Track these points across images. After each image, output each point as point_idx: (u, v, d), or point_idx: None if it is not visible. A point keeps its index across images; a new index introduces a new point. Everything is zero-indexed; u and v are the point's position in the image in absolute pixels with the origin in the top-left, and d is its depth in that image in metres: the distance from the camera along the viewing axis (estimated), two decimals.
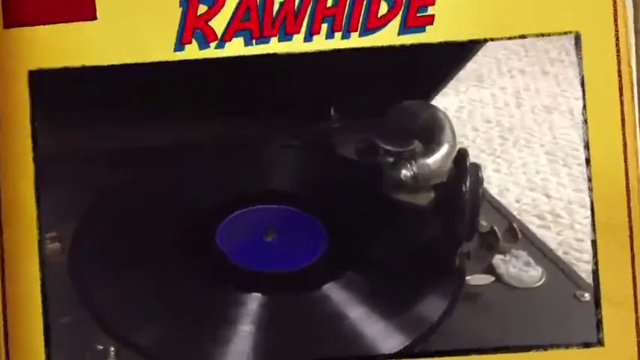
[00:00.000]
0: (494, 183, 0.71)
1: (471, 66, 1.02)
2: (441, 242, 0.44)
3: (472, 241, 0.43)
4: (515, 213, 0.66)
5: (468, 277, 0.43)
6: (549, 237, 0.64)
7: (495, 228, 0.48)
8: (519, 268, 0.45)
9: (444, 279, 0.43)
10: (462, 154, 0.44)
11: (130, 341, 0.37)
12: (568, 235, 0.64)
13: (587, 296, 0.43)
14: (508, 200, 0.67)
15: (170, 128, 0.50)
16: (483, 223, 0.48)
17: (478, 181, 0.41)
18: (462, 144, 0.79)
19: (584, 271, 0.61)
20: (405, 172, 0.46)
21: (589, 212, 0.67)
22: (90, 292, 0.40)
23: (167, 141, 0.49)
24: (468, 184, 0.41)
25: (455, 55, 0.57)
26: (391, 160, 0.51)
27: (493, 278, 0.44)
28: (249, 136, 0.52)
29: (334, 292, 0.42)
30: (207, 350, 0.37)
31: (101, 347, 0.37)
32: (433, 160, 0.48)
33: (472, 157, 0.80)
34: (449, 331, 0.41)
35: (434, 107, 0.52)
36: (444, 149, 0.48)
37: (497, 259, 0.45)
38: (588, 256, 0.62)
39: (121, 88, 0.44)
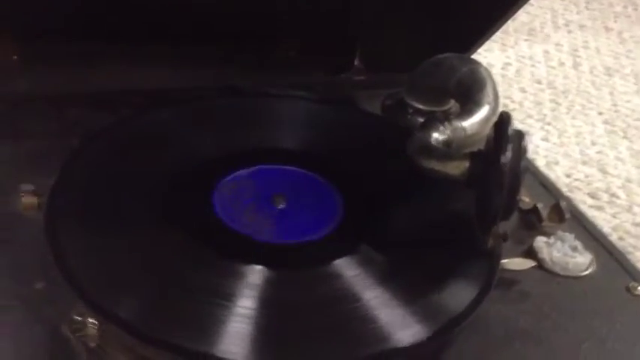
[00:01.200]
0: (541, 154, 0.63)
1: (521, 17, 0.92)
2: (473, 219, 0.37)
3: (510, 219, 0.36)
4: (564, 189, 0.58)
5: (503, 261, 0.36)
6: (602, 219, 0.56)
7: (539, 206, 0.40)
8: (565, 253, 0.37)
9: (475, 261, 0.36)
10: (503, 119, 0.36)
11: (109, 313, 0.31)
12: (624, 218, 0.56)
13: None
14: (557, 174, 0.59)
15: (161, 70, 0.43)
16: (525, 200, 0.40)
17: (521, 151, 0.34)
18: (506, 107, 0.71)
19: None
20: (437, 136, 0.39)
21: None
22: (67, 255, 0.34)
23: (158, 84, 0.43)
24: (508, 154, 0.33)
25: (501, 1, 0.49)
26: (421, 120, 0.44)
27: (534, 263, 0.36)
28: (253, 82, 0.45)
29: (348, 268, 0.35)
30: (199, 327, 0.31)
31: (79, 318, 0.32)
32: (470, 123, 0.40)
33: (517, 123, 0.72)
34: (478, 322, 0.34)
35: (474, 62, 0.44)
36: (483, 111, 0.40)
37: (540, 242, 0.37)
38: None
39: (102, 18, 0.38)
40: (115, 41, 0.42)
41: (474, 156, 0.36)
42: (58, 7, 0.40)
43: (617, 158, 0.63)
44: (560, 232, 0.38)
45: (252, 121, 0.43)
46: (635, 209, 0.57)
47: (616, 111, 0.71)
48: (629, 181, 0.61)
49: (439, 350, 0.33)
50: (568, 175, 0.60)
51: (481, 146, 0.37)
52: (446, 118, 0.39)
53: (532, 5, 0.88)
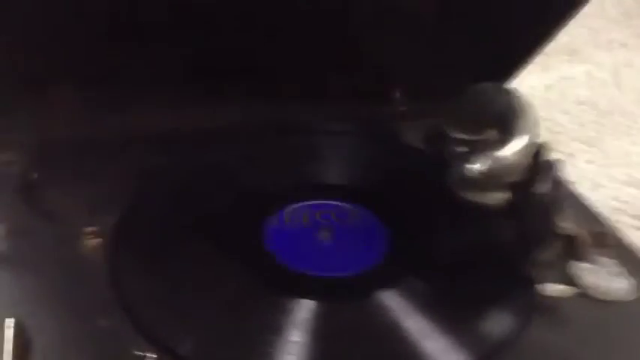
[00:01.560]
0: (586, 177, 0.63)
1: (562, 38, 0.92)
2: (513, 248, 0.38)
3: (547, 248, 0.37)
4: (608, 212, 0.58)
5: (545, 287, 0.37)
6: None
7: (581, 231, 0.41)
8: (607, 279, 0.38)
9: (516, 290, 0.37)
10: (538, 149, 0.37)
11: (168, 348, 0.34)
12: None
13: None
14: (601, 197, 0.59)
15: (209, 111, 0.46)
16: (567, 226, 0.41)
17: (557, 180, 0.35)
18: (550, 129, 0.71)
19: None
20: (477, 166, 0.40)
21: None
22: (128, 293, 0.37)
23: (207, 125, 0.45)
24: (544, 184, 0.34)
25: (539, 27, 0.49)
26: (462, 150, 0.45)
27: (576, 290, 0.37)
28: (300, 120, 0.47)
29: (393, 300, 0.37)
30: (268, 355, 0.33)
31: (140, 353, 0.34)
32: (509, 153, 0.41)
33: (562, 145, 0.72)
34: (520, 350, 0.35)
35: (512, 92, 0.45)
36: (521, 141, 0.41)
37: (582, 268, 0.38)
38: None
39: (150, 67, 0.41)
40: (167, 83, 0.45)
41: (512, 187, 0.37)
42: (128, 49, 0.43)
43: None
44: (602, 258, 0.39)
45: (299, 157, 0.45)
46: None
47: None
48: None
49: None
50: (613, 198, 0.60)
51: (519, 176, 0.38)
52: (485, 148, 0.40)
53: (571, 25, 0.88)
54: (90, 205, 0.42)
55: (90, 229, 0.39)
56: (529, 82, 0.78)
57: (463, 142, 0.46)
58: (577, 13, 0.49)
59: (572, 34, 0.91)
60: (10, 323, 0.33)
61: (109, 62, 0.43)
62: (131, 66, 0.43)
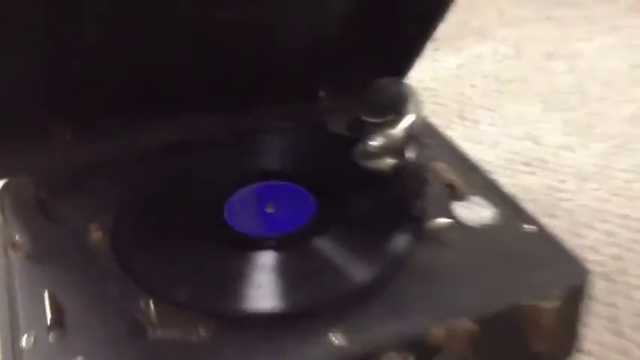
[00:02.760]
0: (488, 136, 0.77)
1: (473, 21, 1.06)
2: (402, 197, 0.52)
3: (424, 195, 0.51)
4: (503, 162, 0.72)
5: (431, 221, 0.51)
6: (535, 182, 0.70)
7: (455, 181, 0.54)
8: (477, 211, 0.52)
9: (408, 225, 0.51)
10: (414, 125, 0.51)
11: (164, 296, 0.47)
12: (551, 178, 0.70)
13: (533, 228, 0.50)
14: (500, 151, 0.73)
15: (175, 127, 0.59)
16: (448, 175, 0.55)
17: (424, 150, 0.49)
18: (459, 101, 0.85)
19: (564, 209, 0.67)
20: (373, 143, 0.54)
21: (575, 155, 0.73)
22: (132, 262, 0.50)
23: (176, 137, 0.59)
24: (411, 152, 0.48)
25: (422, 29, 0.63)
26: (370, 131, 0.58)
27: (452, 220, 0.51)
28: (250, 123, 0.62)
29: (321, 243, 0.50)
30: (236, 294, 0.47)
31: (143, 305, 0.47)
32: (398, 130, 0.55)
33: (469, 113, 0.85)
34: (413, 265, 0.49)
35: (401, 83, 0.59)
36: (407, 121, 0.55)
37: (457, 205, 0.52)
38: (570, 195, 0.68)
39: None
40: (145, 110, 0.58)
41: (399, 154, 0.51)
42: (107, 90, 0.56)
43: (550, 130, 0.77)
44: (473, 197, 0.53)
45: (247, 151, 0.59)
46: (561, 169, 0.71)
47: (551, 90, 0.84)
48: (558, 147, 0.74)
49: (384, 283, 0.47)
50: (509, 151, 0.74)
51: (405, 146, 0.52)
52: (380, 128, 0.54)
53: (482, 7, 1.01)
54: (91, 208, 0.55)
55: (94, 225, 0.53)
56: (444, 64, 0.93)
57: (373, 126, 0.60)
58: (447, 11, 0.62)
59: (482, 16, 1.05)
60: (46, 295, 0.46)
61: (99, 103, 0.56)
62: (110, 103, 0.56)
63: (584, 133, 0.76)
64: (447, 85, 0.86)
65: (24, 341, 0.44)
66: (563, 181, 0.69)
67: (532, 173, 0.70)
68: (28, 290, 0.48)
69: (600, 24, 0.98)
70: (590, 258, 0.61)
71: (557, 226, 0.63)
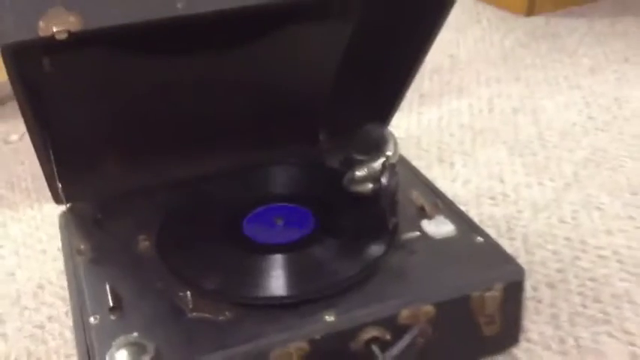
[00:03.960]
0: (461, 176, 0.92)
1: (453, 80, 1.22)
2: (378, 214, 0.67)
3: (396, 215, 0.66)
4: (473, 196, 0.87)
5: (404, 234, 0.65)
6: (497, 212, 0.84)
7: (425, 204, 0.69)
8: (439, 226, 0.66)
9: (383, 236, 0.66)
10: (384, 164, 0.68)
11: (198, 286, 0.61)
12: (511, 209, 0.85)
13: (482, 240, 0.64)
14: (471, 187, 0.88)
15: (201, 162, 0.75)
16: (419, 199, 0.70)
17: (395, 177, 0.65)
18: (439, 147, 1.00)
19: (520, 232, 0.81)
20: (357, 173, 0.69)
21: (531, 190, 0.87)
22: (173, 262, 0.64)
23: (202, 169, 0.75)
24: (385, 179, 0.65)
25: (401, 81, 0.78)
26: (358, 165, 0.73)
27: (419, 233, 0.65)
28: (263, 159, 0.78)
29: (319, 249, 0.65)
30: (253, 285, 0.61)
31: (182, 294, 0.61)
32: (377, 164, 0.70)
33: (447, 156, 1.00)
34: (387, 267, 0.63)
35: (383, 128, 0.75)
36: (383, 157, 0.70)
37: (424, 222, 0.67)
38: (525, 222, 0.82)
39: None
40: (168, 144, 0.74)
41: (377, 182, 0.67)
42: (147, 134, 0.72)
43: (513, 171, 0.92)
44: (437, 216, 0.67)
45: (261, 181, 0.75)
46: (519, 202, 0.85)
47: (516, 138, 1.00)
48: (519, 185, 0.89)
49: (366, 278, 0.61)
50: (477, 187, 0.89)
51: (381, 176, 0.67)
52: (364, 162, 0.70)
53: (462, 69, 1.18)
54: (137, 225, 0.70)
55: (141, 236, 0.67)
56: (427, 116, 1.09)
57: (361, 161, 0.75)
58: (423, 60, 0.77)
59: (461, 76, 1.21)
60: (107, 287, 0.61)
61: (141, 144, 0.72)
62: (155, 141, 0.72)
63: (541, 174, 0.91)
64: (429, 133, 1.02)
65: (92, 320, 0.58)
66: (520, 211, 0.84)
67: (496, 205, 0.85)
68: (92, 284, 0.62)
69: (562, 84, 1.15)
70: (539, 270, 0.75)
71: (514, 246, 0.78)
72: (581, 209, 0.84)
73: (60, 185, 0.67)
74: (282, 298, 0.60)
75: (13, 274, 0.78)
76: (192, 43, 0.68)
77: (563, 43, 1.29)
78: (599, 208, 0.84)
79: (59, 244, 0.76)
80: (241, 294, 0.60)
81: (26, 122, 0.61)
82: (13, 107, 1.22)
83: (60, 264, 0.76)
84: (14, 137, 1.13)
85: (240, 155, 0.78)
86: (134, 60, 0.67)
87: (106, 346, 0.55)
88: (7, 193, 0.94)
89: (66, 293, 0.72)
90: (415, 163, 0.78)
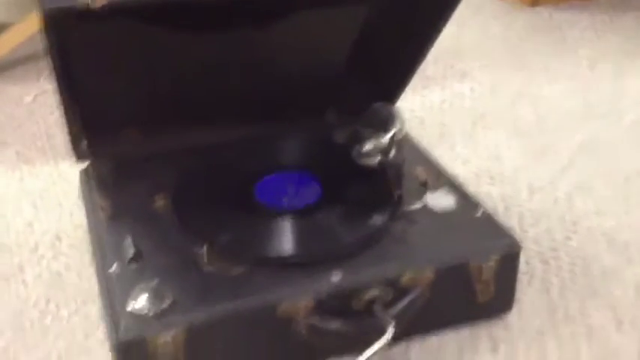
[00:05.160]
0: (461, 156, 0.96)
1: (457, 65, 1.25)
2: (385, 186, 0.72)
3: (400, 187, 0.70)
4: (472, 176, 0.91)
5: (409, 204, 0.69)
6: (494, 190, 0.88)
7: (428, 179, 0.73)
8: (441, 199, 0.70)
9: (388, 205, 0.70)
10: (397, 136, 0.71)
11: (212, 242, 0.64)
12: (509, 188, 0.89)
13: (481, 213, 0.68)
14: (471, 167, 0.92)
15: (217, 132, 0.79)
16: (421, 173, 0.74)
17: (401, 152, 0.70)
18: (441, 129, 1.04)
19: (516, 212, 0.85)
20: (367, 147, 0.73)
21: (528, 172, 0.91)
22: (190, 219, 0.68)
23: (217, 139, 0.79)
24: (392, 154, 0.70)
25: (410, 62, 0.82)
26: (365, 140, 0.77)
27: (423, 204, 0.69)
28: (277, 131, 0.82)
29: (328, 215, 0.69)
30: (264, 244, 0.65)
31: (198, 249, 0.65)
32: (385, 139, 0.74)
33: (448, 138, 1.04)
34: (393, 233, 0.67)
35: (390, 107, 0.79)
36: (391, 133, 0.74)
37: (427, 196, 0.70)
38: (521, 202, 0.86)
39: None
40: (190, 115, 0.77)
41: (385, 155, 0.71)
42: (166, 105, 0.75)
43: (511, 153, 0.96)
44: (439, 189, 0.71)
45: (276, 151, 0.79)
46: (516, 183, 0.89)
47: (516, 122, 1.03)
48: (516, 166, 0.93)
49: (370, 244, 0.65)
50: (477, 167, 0.93)
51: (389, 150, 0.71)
52: (372, 137, 0.73)
53: (466, 55, 1.22)
54: (155, 185, 0.73)
55: (159, 195, 0.71)
56: (431, 99, 1.12)
57: (369, 136, 0.78)
58: (433, 44, 0.81)
59: (464, 61, 1.25)
60: (127, 239, 0.64)
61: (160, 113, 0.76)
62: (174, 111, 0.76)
63: (538, 157, 0.95)
64: (432, 115, 1.06)
65: (113, 269, 0.62)
66: (517, 192, 0.88)
67: (493, 184, 0.89)
68: (113, 237, 0.66)
69: (563, 72, 1.18)
70: (532, 247, 0.79)
71: (509, 223, 0.82)
72: (575, 192, 0.88)
73: (86, 142, 0.70)
74: (291, 257, 0.64)
75: (31, 226, 0.82)
76: (213, 23, 0.72)
77: (564, 35, 1.32)
78: (592, 192, 0.88)
79: (75, 199, 0.79)
80: (254, 252, 0.64)
81: (57, 83, 0.64)
82: (25, 70, 1.26)
83: (76, 218, 0.80)
84: (28, 99, 1.16)
85: (253, 128, 0.81)
86: (159, 36, 0.70)
87: (127, 293, 0.58)
88: (24, 150, 0.97)
89: (82, 245, 0.76)
90: (416, 140, 0.82)
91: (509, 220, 0.83)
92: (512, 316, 0.69)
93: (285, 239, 0.66)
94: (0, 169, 0.93)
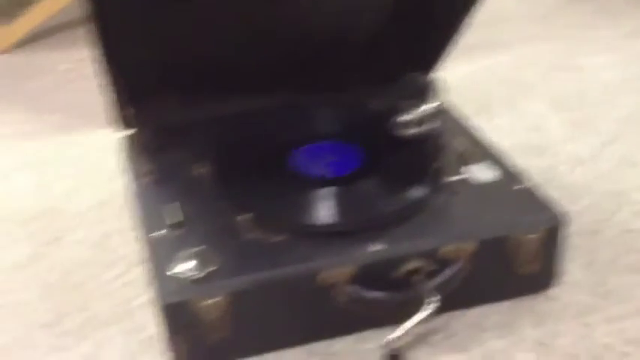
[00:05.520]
0: (502, 128, 0.94)
1: (489, 37, 1.23)
2: (425, 156, 0.71)
3: (441, 157, 0.70)
4: (515, 147, 0.89)
5: (447, 177, 0.68)
6: (536, 162, 0.86)
7: (469, 151, 0.72)
8: (482, 171, 0.69)
9: (428, 175, 0.69)
10: (437, 108, 0.70)
11: (256, 212, 0.64)
12: (551, 159, 0.87)
13: (524, 186, 0.67)
14: (511, 140, 0.89)
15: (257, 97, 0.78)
16: (463, 148, 0.73)
17: (440, 123, 0.70)
18: (477, 101, 1.02)
19: (560, 184, 0.83)
20: (404, 117, 0.72)
21: (571, 145, 0.89)
22: (230, 187, 0.68)
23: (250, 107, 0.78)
24: (432, 125, 0.71)
25: (448, 34, 0.80)
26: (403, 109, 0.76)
27: (464, 176, 0.68)
28: (314, 101, 0.81)
29: (368, 185, 0.69)
30: (305, 213, 0.65)
31: (240, 216, 0.65)
32: (425, 108, 0.72)
33: (487, 110, 1.02)
34: (434, 204, 0.66)
35: (428, 76, 0.77)
36: (432, 104, 0.72)
37: (468, 167, 0.70)
38: (565, 174, 0.85)
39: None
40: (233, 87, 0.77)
41: (421, 126, 0.70)
42: (204, 74, 0.75)
43: (553, 125, 0.94)
44: (480, 162, 0.70)
45: (312, 120, 0.78)
46: (560, 155, 0.88)
47: (555, 94, 1.01)
48: (559, 139, 0.91)
49: (411, 214, 0.64)
50: (517, 139, 0.91)
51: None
52: (411, 107, 0.72)
53: (505, 25, 1.19)
54: (194, 152, 0.73)
55: (199, 163, 0.71)
56: (469, 69, 1.10)
57: (408, 106, 0.77)
58: (471, 17, 0.79)
59: (503, 31, 1.22)
60: (170, 205, 0.65)
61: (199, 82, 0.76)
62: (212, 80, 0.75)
63: (581, 128, 0.93)
64: (471, 85, 1.04)
65: (157, 234, 0.62)
66: (559, 164, 0.86)
67: (534, 156, 0.87)
68: (156, 203, 0.66)
69: (602, 44, 1.15)
70: (576, 220, 0.78)
71: (554, 195, 0.80)
72: (619, 165, 0.86)
73: (132, 110, 0.71)
74: (332, 226, 0.64)
75: (73, 192, 0.83)
76: None
77: (605, 5, 1.28)
78: (636, 165, 0.86)
79: (113, 166, 0.80)
80: (296, 220, 0.64)
81: (101, 52, 0.65)
82: (60, 38, 1.26)
83: (115, 184, 0.81)
84: (63, 67, 1.16)
85: (289, 97, 0.80)
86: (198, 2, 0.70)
87: (172, 257, 0.59)
88: (63, 119, 0.98)
89: (123, 211, 0.76)
90: (456, 110, 0.81)
91: (552, 191, 0.81)
92: (556, 291, 0.68)
93: (326, 208, 0.66)
94: (39, 136, 0.94)
